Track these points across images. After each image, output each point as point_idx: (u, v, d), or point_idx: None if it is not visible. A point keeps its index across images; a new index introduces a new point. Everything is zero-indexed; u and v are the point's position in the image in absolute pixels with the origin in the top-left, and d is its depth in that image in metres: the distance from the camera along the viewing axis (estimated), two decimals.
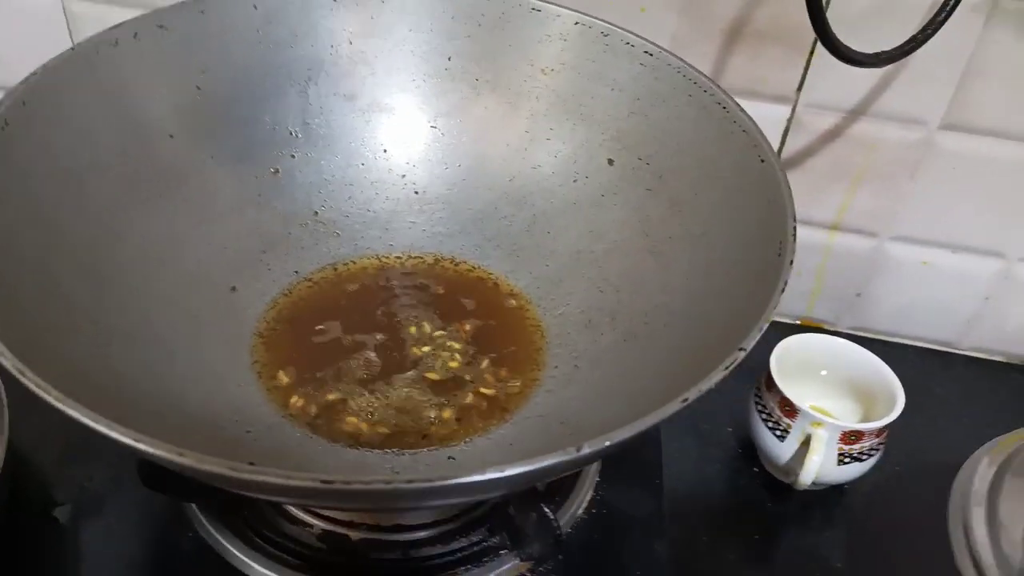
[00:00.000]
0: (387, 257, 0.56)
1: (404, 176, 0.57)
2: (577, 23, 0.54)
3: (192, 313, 0.48)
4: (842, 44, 0.54)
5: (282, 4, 0.54)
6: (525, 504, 0.44)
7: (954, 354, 0.71)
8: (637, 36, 0.52)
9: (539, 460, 0.30)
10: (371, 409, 0.48)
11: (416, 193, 0.57)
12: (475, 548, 0.47)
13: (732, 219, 0.46)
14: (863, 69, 0.57)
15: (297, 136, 0.55)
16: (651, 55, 0.52)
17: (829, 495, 0.58)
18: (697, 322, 0.44)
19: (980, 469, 0.46)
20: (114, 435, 0.28)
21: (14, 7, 0.67)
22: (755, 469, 0.59)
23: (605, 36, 0.53)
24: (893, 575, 0.54)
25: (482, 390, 0.50)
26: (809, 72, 0.62)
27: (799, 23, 0.60)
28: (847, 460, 0.54)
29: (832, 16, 0.52)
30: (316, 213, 0.56)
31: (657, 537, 0.51)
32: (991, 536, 0.40)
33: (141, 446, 0.27)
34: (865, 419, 0.58)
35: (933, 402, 0.66)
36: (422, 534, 0.47)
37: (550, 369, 0.50)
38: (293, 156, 0.55)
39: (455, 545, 0.47)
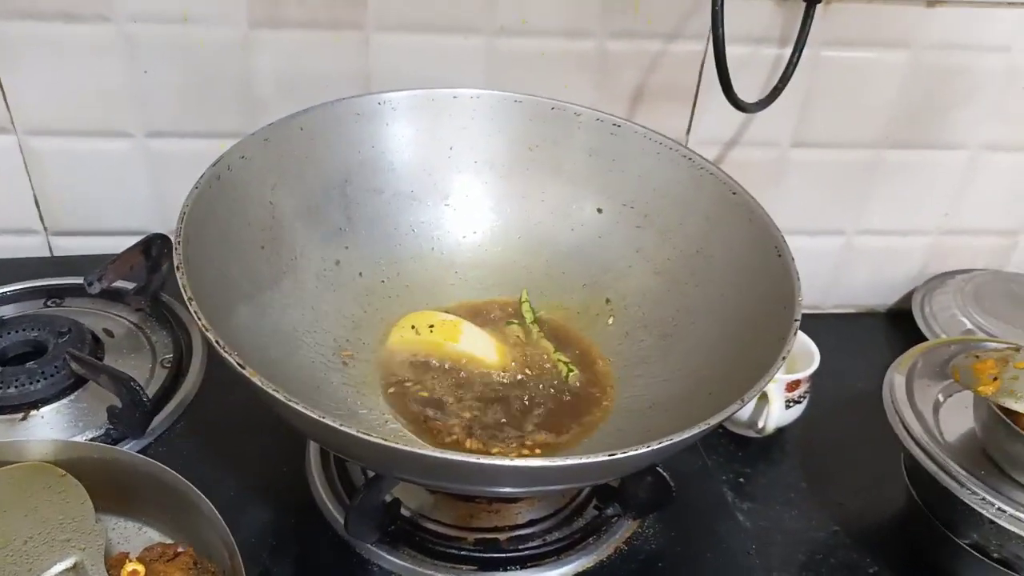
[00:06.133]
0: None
1: (433, 248, 0.69)
2: (553, 108, 0.69)
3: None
4: (738, 97, 0.73)
5: (320, 123, 0.64)
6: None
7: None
8: (606, 113, 0.68)
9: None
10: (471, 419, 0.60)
11: (444, 257, 0.69)
12: (596, 521, 0.60)
13: (720, 235, 0.63)
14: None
15: (345, 230, 0.65)
16: (619, 126, 0.68)
17: (778, 437, 0.75)
18: (721, 316, 0.60)
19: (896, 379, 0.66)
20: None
21: None
22: (720, 431, 0.74)
23: (578, 116, 0.69)
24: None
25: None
26: (694, 118, 0.82)
27: (685, 84, 0.79)
28: (791, 404, 0.73)
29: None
30: (382, 282, 0.67)
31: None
32: (914, 413, 0.60)
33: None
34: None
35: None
36: (552, 521, 0.60)
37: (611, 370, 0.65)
38: (347, 247, 0.65)
39: (577, 524, 0.60)
